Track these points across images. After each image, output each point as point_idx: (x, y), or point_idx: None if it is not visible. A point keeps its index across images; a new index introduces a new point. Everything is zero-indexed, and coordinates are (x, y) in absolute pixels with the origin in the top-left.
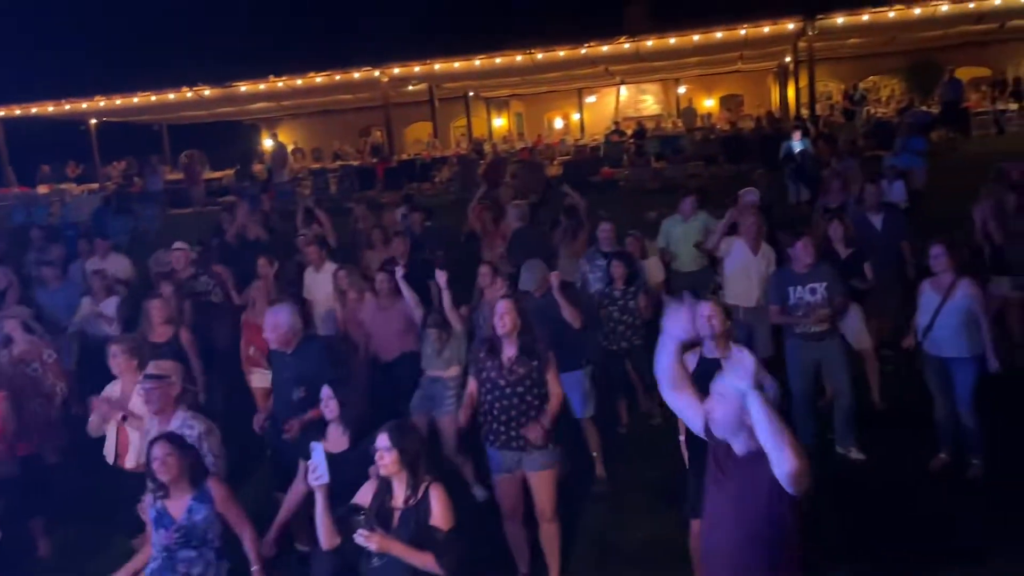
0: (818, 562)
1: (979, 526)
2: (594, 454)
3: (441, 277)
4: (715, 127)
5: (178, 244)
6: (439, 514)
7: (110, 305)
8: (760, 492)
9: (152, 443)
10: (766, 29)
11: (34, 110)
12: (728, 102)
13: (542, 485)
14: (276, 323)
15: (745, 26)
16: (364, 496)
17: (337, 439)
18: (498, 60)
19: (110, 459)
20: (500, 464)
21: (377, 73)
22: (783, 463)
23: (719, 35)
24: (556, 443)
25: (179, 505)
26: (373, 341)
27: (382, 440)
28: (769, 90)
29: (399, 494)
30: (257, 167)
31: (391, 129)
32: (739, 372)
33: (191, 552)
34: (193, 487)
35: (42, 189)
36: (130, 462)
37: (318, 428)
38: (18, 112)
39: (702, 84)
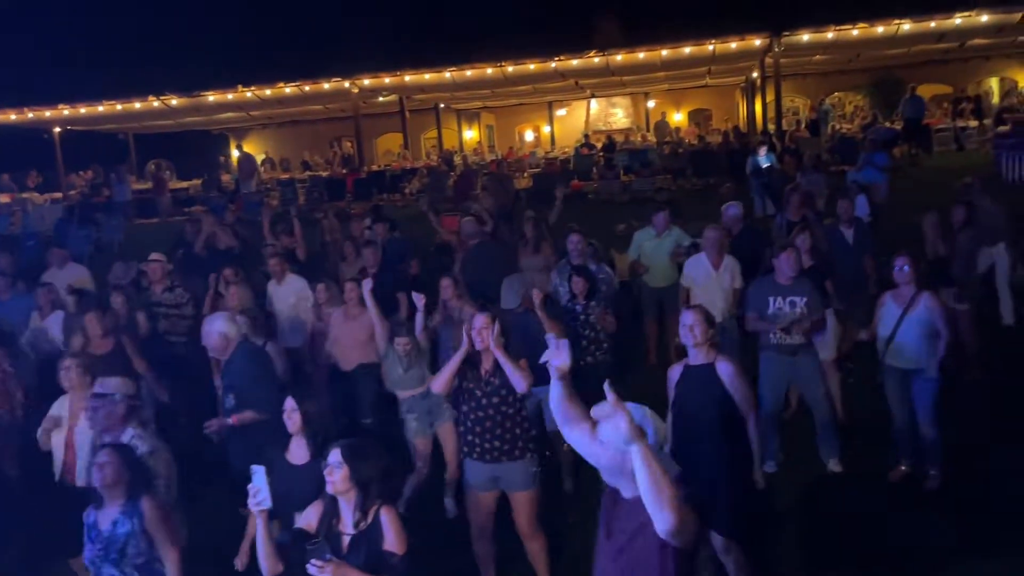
0: (790, 573)
1: (937, 534)
2: (564, 467)
3: (419, 300)
4: (683, 141)
5: (154, 255)
6: (392, 538)
7: (55, 320)
8: (648, 538)
9: (97, 450)
10: (733, 45)
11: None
12: (696, 116)
13: (523, 501)
14: (207, 332)
15: (713, 42)
16: (309, 518)
17: (299, 451)
18: (469, 72)
19: (57, 475)
20: (477, 477)
21: (347, 84)
22: (662, 521)
23: (688, 50)
24: (535, 456)
25: (107, 517)
26: (335, 350)
27: (333, 455)
28: (737, 105)
29: (348, 517)
30: (225, 177)
31: (361, 140)
32: (615, 429)
33: (112, 570)
34: (125, 501)
35: (2, 198)
36: (79, 479)
37: (273, 440)
38: None
39: (671, 98)
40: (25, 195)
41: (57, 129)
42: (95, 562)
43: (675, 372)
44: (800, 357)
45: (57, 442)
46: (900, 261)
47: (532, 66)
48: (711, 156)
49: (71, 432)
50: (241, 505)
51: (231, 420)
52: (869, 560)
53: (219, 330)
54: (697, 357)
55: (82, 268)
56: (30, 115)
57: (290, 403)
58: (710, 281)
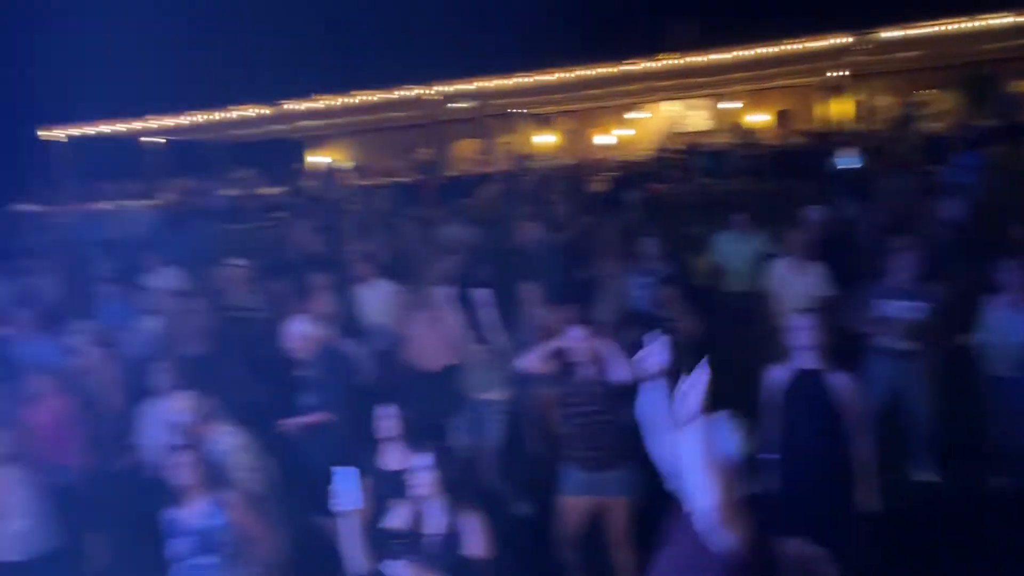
0: None
1: None
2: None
3: (484, 296)
4: (763, 143)
5: (234, 260)
6: (476, 543)
7: (151, 321)
8: (706, 551)
9: (172, 450)
10: (814, 44)
11: (96, 129)
12: (776, 117)
13: (620, 509)
14: (289, 333)
15: (793, 41)
16: (397, 519)
17: (394, 456)
18: (544, 77)
19: (150, 472)
20: (575, 484)
21: (425, 91)
22: (703, 497)
23: (767, 50)
24: (632, 465)
25: (194, 511)
26: (419, 353)
27: (421, 459)
28: (818, 105)
29: (434, 520)
30: (308, 183)
31: (439, 146)
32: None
33: (205, 559)
34: (209, 494)
35: (103, 206)
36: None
37: (354, 442)
38: (80, 131)
39: (750, 99)
40: (123, 202)
41: (153, 139)
42: (185, 554)
43: (777, 375)
44: (910, 362)
45: (152, 438)
46: (1009, 265)
47: (607, 69)
48: (792, 158)
49: (164, 430)
50: (317, 509)
51: (307, 419)
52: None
53: (300, 331)
54: (808, 362)
55: (178, 272)
56: (127, 126)
57: (386, 408)
58: (794, 285)
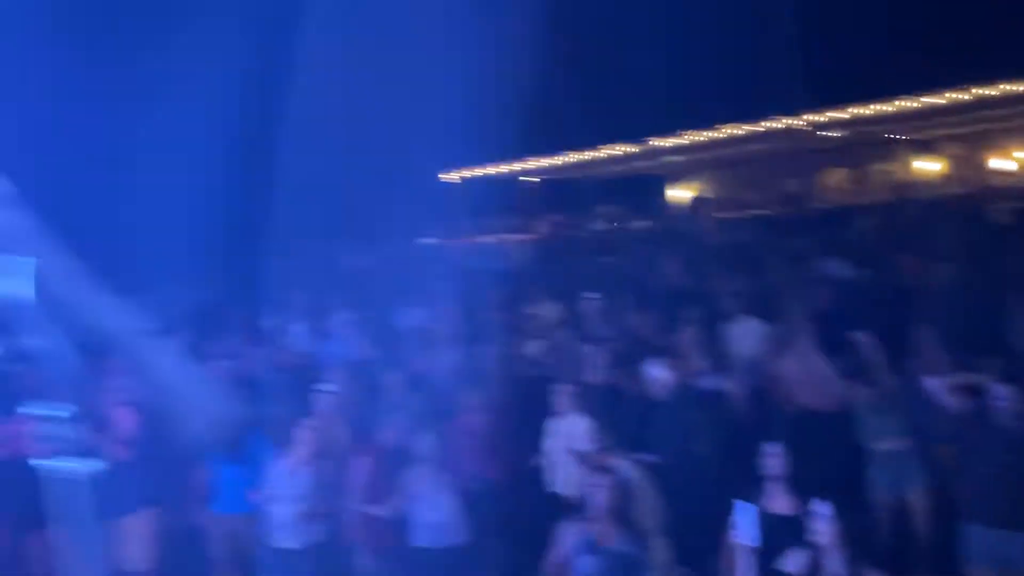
0: None
1: None
2: None
3: (866, 337)
4: None
5: (588, 294)
6: None
7: (532, 348)
8: None
9: (589, 472)
10: None
11: (483, 171)
12: None
13: None
14: (646, 376)
15: None
16: (792, 564)
17: (779, 500)
18: (932, 100)
19: (547, 487)
20: (978, 547)
21: (792, 121)
22: None
23: None
24: None
25: (606, 537)
26: (794, 393)
27: (823, 507)
28: None
29: (833, 572)
30: (671, 218)
31: (804, 177)
32: None
33: None
34: (618, 521)
35: (486, 239)
36: (566, 488)
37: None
38: (471, 173)
39: None
40: (503, 236)
41: (527, 178)
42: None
43: None
44: None
45: (555, 457)
46: None
47: (1002, 88)
48: None
49: (567, 451)
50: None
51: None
52: None
53: (654, 375)
54: None
55: (555, 304)
56: (506, 168)
57: (772, 447)
58: None
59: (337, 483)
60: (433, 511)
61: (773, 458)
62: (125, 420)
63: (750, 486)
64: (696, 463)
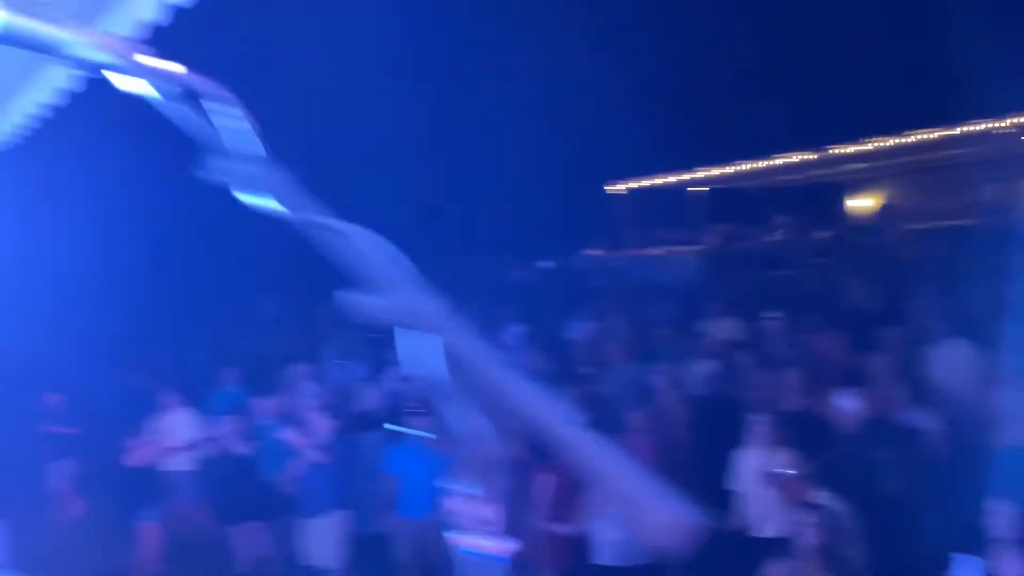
0: None
1: None
2: None
3: None
4: None
5: (768, 312)
6: None
7: (704, 368)
8: None
9: (801, 510)
10: None
11: (651, 181)
12: None
13: None
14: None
15: None
16: None
17: (1011, 563)
18: None
19: (737, 524)
20: None
21: (994, 125)
22: None
23: None
24: None
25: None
26: (1008, 427)
27: None
28: None
29: None
30: (853, 228)
31: (1002, 184)
32: None
33: None
34: (830, 564)
35: (655, 251)
36: (768, 529)
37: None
38: (638, 184)
39: None
40: (672, 248)
41: (695, 188)
42: None
43: None
44: None
45: (748, 489)
46: None
47: None
48: None
49: (756, 484)
50: None
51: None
52: None
53: (844, 407)
54: None
55: (733, 320)
56: (674, 179)
57: (998, 504)
58: None
59: (522, 500)
60: (616, 529)
61: (1001, 517)
62: (319, 425)
63: (961, 539)
64: (883, 506)
